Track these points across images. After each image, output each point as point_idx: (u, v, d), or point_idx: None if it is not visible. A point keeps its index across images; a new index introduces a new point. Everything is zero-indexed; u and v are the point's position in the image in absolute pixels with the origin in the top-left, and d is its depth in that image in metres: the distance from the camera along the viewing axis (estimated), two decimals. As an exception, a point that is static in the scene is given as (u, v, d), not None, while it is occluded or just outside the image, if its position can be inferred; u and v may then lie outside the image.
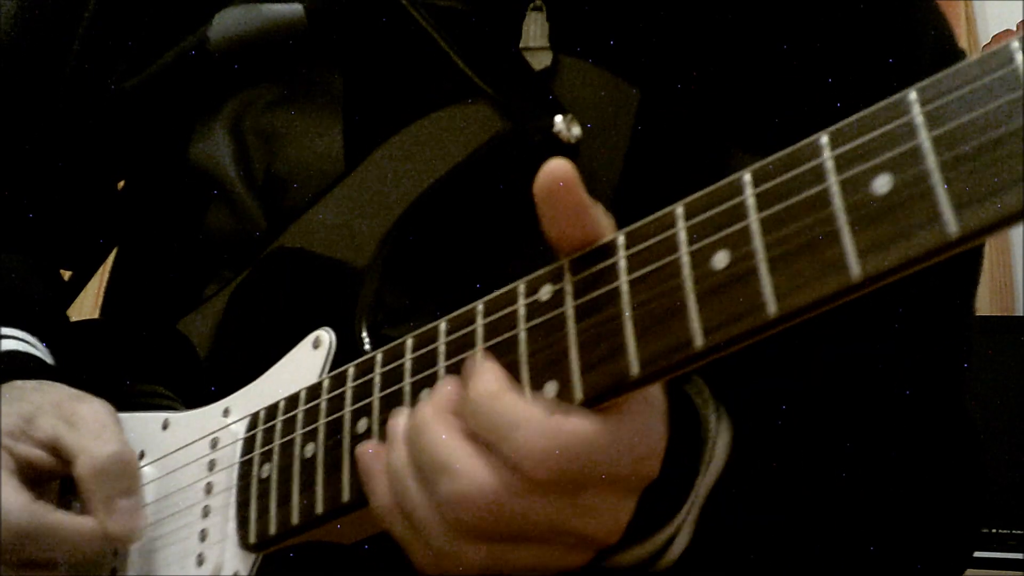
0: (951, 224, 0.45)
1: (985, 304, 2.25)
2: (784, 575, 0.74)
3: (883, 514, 0.76)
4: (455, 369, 0.62)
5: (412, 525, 0.61)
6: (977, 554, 0.85)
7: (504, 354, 0.60)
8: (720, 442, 0.69)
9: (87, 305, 1.17)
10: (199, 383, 0.83)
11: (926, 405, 0.79)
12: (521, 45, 0.81)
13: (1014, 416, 1.75)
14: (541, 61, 0.80)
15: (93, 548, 0.73)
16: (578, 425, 0.55)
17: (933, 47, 0.85)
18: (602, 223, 0.59)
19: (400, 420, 0.62)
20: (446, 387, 0.61)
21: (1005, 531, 1.82)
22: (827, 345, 0.77)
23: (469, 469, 0.57)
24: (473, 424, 0.58)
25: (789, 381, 0.76)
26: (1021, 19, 2.58)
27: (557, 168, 0.57)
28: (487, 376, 0.59)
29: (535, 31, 0.81)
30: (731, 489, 0.68)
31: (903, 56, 0.82)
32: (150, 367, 0.89)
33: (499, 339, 0.61)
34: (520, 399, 0.57)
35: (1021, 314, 2.35)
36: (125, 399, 0.85)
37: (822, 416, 0.76)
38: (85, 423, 0.76)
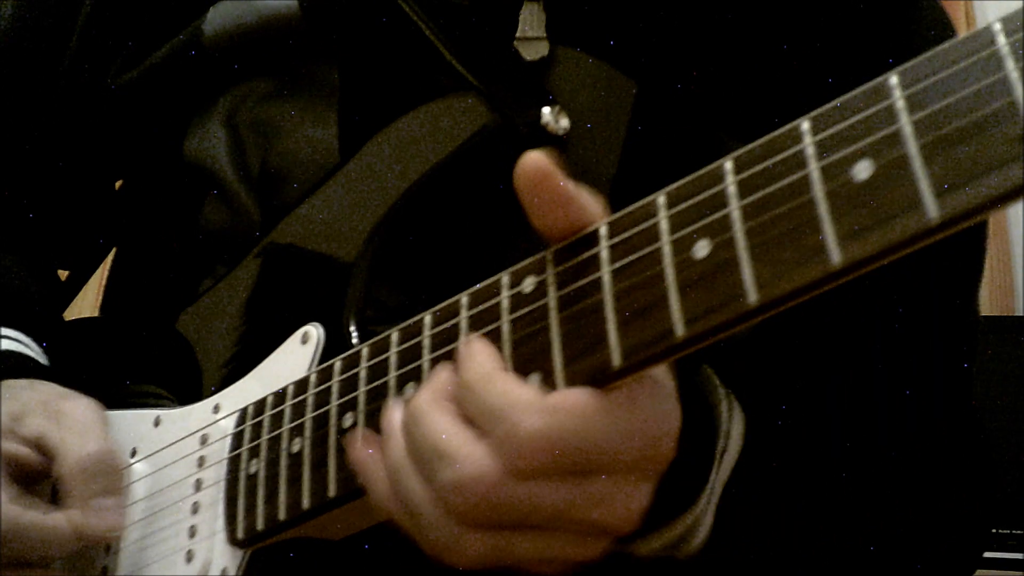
0: (932, 210, 0.44)
1: (985, 304, 2.24)
2: (793, 571, 0.73)
3: (891, 514, 0.76)
4: (438, 361, 0.62)
5: (412, 515, 0.59)
6: (978, 554, 0.85)
7: None
8: (734, 431, 0.68)
9: (87, 304, 1.17)
10: (194, 382, 0.83)
11: (929, 405, 0.79)
12: (517, 35, 0.81)
13: (1014, 416, 1.74)
14: (537, 51, 0.80)
15: (70, 546, 0.73)
16: (574, 403, 0.54)
17: (932, 46, 0.84)
18: (590, 209, 0.58)
19: (396, 412, 0.61)
20: (441, 373, 0.60)
21: (1005, 531, 1.82)
22: (830, 346, 0.77)
23: (468, 454, 0.55)
24: (467, 408, 0.57)
25: (794, 380, 0.76)
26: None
27: (534, 160, 0.56)
28: (479, 358, 0.58)
29: (531, 21, 0.81)
30: (747, 480, 0.67)
31: (901, 55, 0.81)
32: (146, 367, 0.89)
33: (483, 331, 0.60)
34: (513, 380, 0.56)
35: (1021, 314, 2.34)
36: (121, 399, 0.85)
37: (826, 418, 0.75)
38: (70, 421, 0.76)
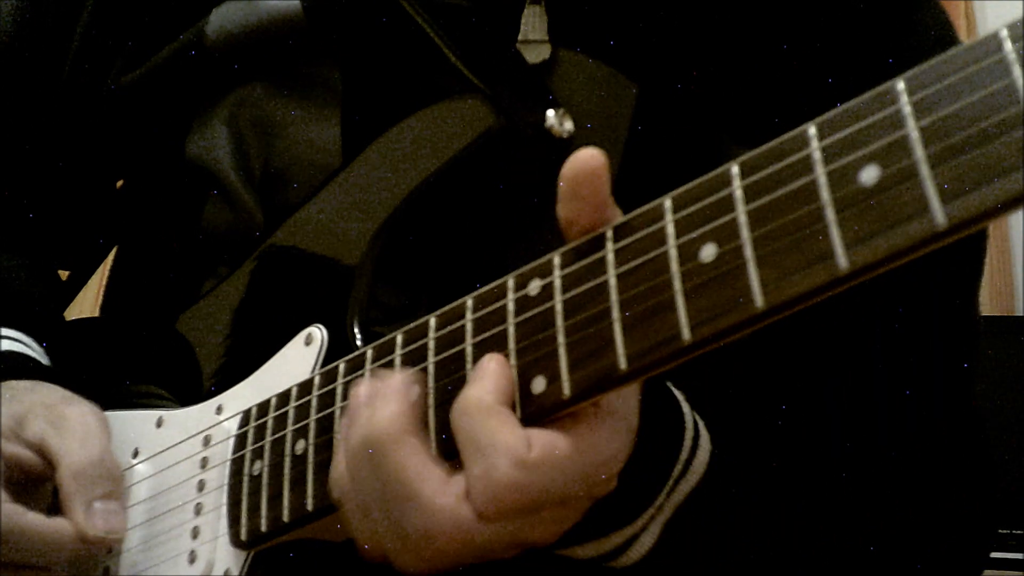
0: (938, 215, 0.44)
1: (985, 304, 2.26)
2: (793, 572, 0.74)
3: (892, 515, 0.76)
4: (443, 364, 0.62)
5: (363, 513, 0.61)
6: (978, 554, 0.85)
7: (493, 349, 0.59)
8: (701, 454, 0.67)
9: (88, 304, 1.16)
10: (195, 383, 0.83)
11: (930, 406, 0.79)
12: (519, 38, 0.81)
13: (1014, 416, 1.75)
14: (539, 54, 0.80)
15: (70, 550, 0.73)
16: (555, 460, 0.55)
17: (933, 47, 0.84)
18: (616, 215, 0.58)
19: (361, 391, 0.61)
20: (410, 391, 0.60)
21: (1005, 531, 1.82)
22: (830, 347, 0.77)
23: (440, 504, 0.56)
24: (454, 425, 0.58)
25: (794, 380, 0.76)
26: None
27: (592, 159, 0.56)
28: (487, 386, 0.58)
29: (534, 24, 0.81)
30: (716, 493, 0.67)
31: (902, 55, 0.81)
32: (147, 367, 0.88)
33: (488, 334, 0.60)
34: (507, 421, 0.56)
35: (1021, 314, 2.35)
36: (121, 399, 0.85)
37: (826, 418, 0.75)
38: (71, 427, 0.76)
